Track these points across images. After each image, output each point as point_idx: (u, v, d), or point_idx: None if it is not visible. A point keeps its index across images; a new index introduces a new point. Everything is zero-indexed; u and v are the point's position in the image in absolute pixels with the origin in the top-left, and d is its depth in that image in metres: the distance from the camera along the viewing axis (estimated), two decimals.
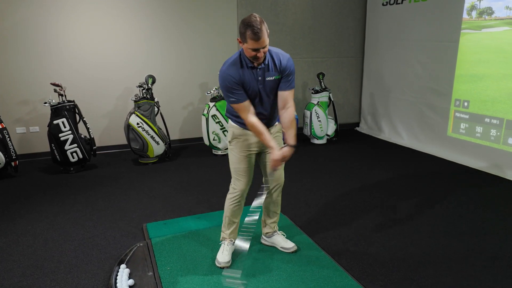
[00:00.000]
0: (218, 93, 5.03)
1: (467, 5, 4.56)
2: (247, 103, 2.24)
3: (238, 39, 2.21)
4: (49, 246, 2.84)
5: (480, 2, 4.43)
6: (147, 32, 5.17)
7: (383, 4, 5.83)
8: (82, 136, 4.46)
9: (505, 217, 3.26)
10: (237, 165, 2.45)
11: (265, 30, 2.10)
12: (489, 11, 4.35)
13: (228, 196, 2.54)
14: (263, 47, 2.13)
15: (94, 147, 4.52)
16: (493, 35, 4.33)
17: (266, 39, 2.11)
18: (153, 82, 4.70)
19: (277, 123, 2.50)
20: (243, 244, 2.37)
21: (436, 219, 3.24)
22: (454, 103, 4.85)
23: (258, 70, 2.24)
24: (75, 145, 4.35)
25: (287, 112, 2.31)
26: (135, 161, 4.88)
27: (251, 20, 2.08)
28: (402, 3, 5.48)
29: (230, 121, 2.46)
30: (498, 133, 4.34)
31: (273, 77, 2.28)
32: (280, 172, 2.57)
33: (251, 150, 2.44)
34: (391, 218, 3.26)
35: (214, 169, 4.56)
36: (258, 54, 2.13)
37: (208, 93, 4.98)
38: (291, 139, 2.29)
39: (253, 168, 2.50)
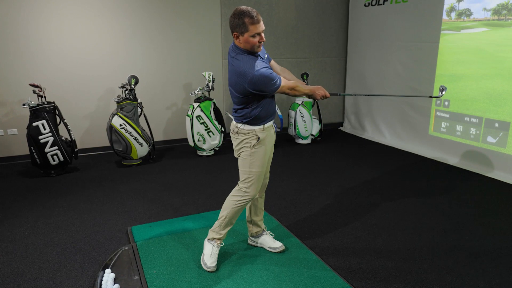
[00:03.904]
0: (203, 93, 5.00)
1: (446, 6, 4.66)
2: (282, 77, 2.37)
3: (234, 35, 2.20)
4: (30, 252, 2.75)
5: (459, 3, 4.53)
6: (128, 32, 5.09)
7: (365, 5, 5.90)
8: (63, 138, 4.36)
9: (485, 213, 3.34)
10: (260, 168, 2.39)
11: (260, 15, 2.19)
12: (467, 13, 4.45)
13: (237, 198, 2.46)
14: (263, 30, 2.19)
15: (75, 149, 4.42)
16: (471, 36, 4.44)
17: (262, 23, 2.20)
18: (136, 82, 4.63)
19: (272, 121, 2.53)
20: None
21: (419, 216, 3.29)
22: (435, 103, 4.95)
23: (260, 55, 2.32)
24: (56, 147, 4.25)
25: (286, 72, 2.58)
26: (118, 163, 4.80)
27: (242, 9, 2.13)
28: (383, 4, 5.56)
29: (247, 126, 2.35)
30: (478, 132, 4.45)
31: (266, 54, 2.42)
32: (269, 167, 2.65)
33: (272, 149, 2.52)
34: (375, 216, 3.30)
35: (199, 170, 4.52)
36: (261, 39, 2.19)
37: (192, 94, 4.94)
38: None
39: None
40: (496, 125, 4.23)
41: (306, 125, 5.55)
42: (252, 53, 2.26)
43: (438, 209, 3.43)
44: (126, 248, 2.72)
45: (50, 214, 3.37)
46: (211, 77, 5.00)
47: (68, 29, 4.78)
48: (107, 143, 4.84)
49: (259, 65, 2.22)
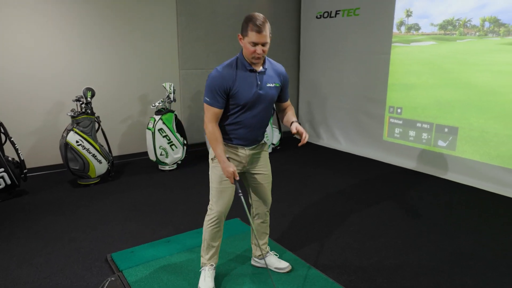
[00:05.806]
0: (164, 105, 4.78)
1: (396, 20, 5.01)
2: (219, 111, 2.17)
3: (238, 35, 2.14)
4: None
5: (408, 18, 4.89)
6: (78, 42, 4.70)
7: (317, 17, 6.11)
8: (10, 158, 3.88)
9: (449, 214, 3.61)
10: (218, 184, 2.29)
11: (267, 28, 2.06)
12: (416, 27, 4.82)
13: (206, 218, 2.39)
14: (263, 44, 2.07)
15: (24, 171, 3.95)
16: (421, 49, 4.81)
17: (267, 36, 2.06)
18: (93, 95, 4.28)
19: (264, 140, 2.43)
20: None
21: (396, 219, 3.46)
22: (388, 110, 5.27)
23: (258, 74, 2.18)
24: (2, 169, 3.76)
25: (289, 108, 2.42)
26: (73, 182, 4.39)
27: (254, 15, 2.06)
28: (335, 16, 5.81)
29: None
30: (429, 136, 4.82)
31: (274, 84, 2.25)
32: (268, 194, 2.56)
33: (236, 168, 2.31)
34: (355, 222, 3.40)
35: (166, 186, 4.30)
36: (258, 50, 2.07)
37: (153, 106, 4.70)
38: (294, 117, 2.35)
39: (234, 188, 2.36)
40: (446, 130, 4.62)
41: (267, 135, 5.57)
42: (245, 64, 2.14)
43: (410, 212, 3.64)
44: (112, 278, 2.48)
45: (7, 247, 2.96)
46: (172, 88, 4.81)
47: (11, 39, 4.28)
48: (58, 161, 4.42)
49: (227, 74, 2.11)
